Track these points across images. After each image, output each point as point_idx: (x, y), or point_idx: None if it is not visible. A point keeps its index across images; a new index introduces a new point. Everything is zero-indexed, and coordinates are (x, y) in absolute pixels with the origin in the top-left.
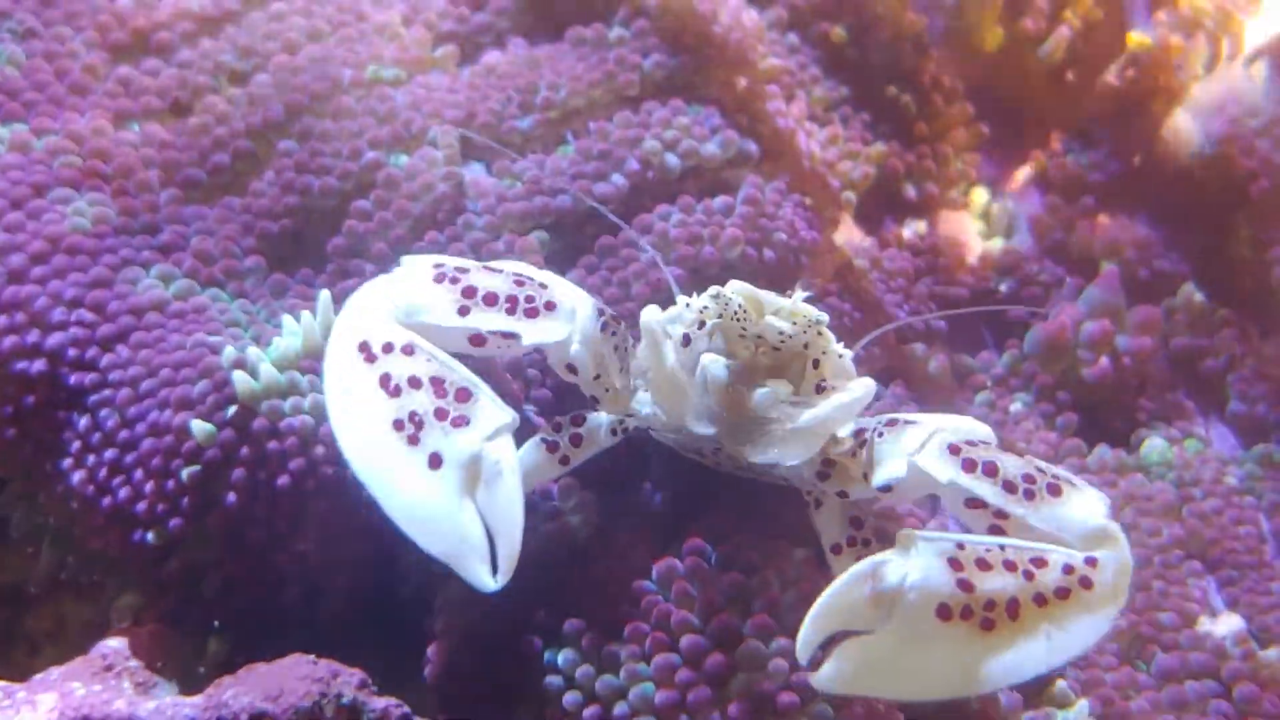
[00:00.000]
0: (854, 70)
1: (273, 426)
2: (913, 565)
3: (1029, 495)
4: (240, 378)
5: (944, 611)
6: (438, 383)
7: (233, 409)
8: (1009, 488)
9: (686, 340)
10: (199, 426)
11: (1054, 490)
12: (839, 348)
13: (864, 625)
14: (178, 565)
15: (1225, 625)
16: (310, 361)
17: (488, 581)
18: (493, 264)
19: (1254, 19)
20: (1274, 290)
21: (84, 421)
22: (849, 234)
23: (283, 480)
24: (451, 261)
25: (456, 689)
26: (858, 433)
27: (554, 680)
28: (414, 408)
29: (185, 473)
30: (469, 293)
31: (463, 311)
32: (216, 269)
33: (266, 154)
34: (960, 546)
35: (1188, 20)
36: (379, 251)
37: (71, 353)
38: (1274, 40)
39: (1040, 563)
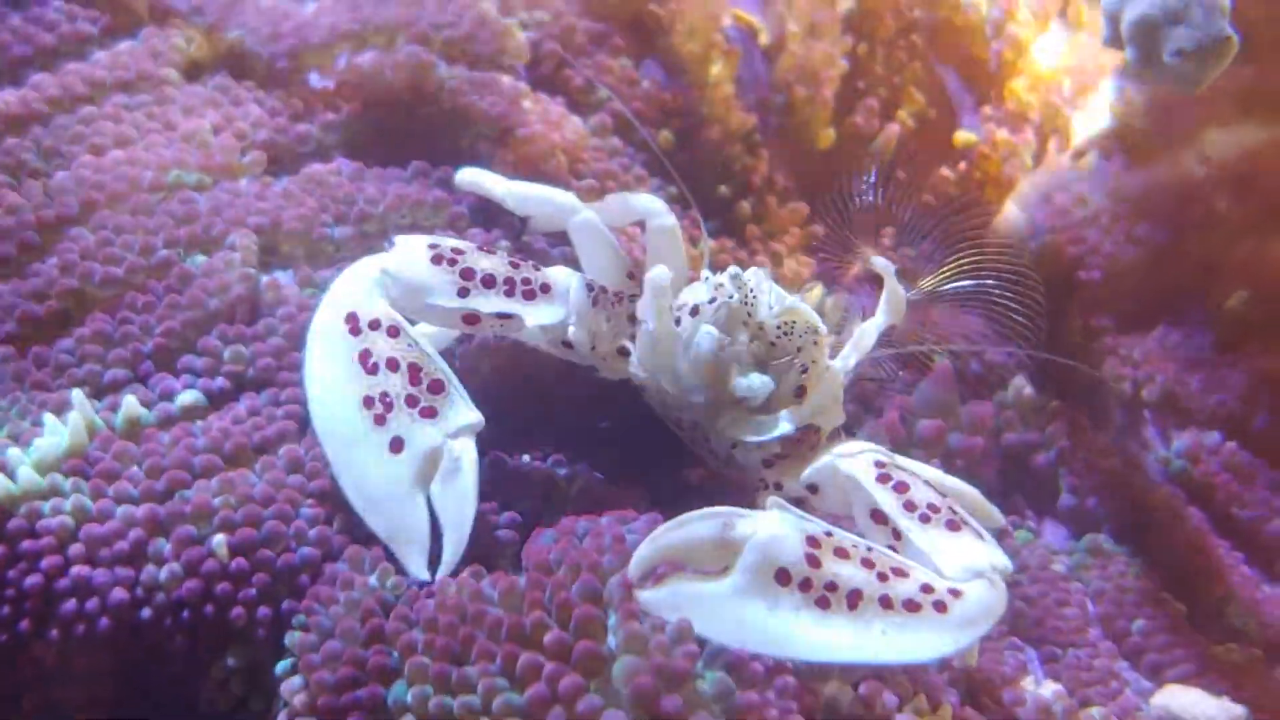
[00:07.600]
0: (683, 172)
1: (30, 527)
2: (765, 526)
3: (924, 520)
4: None
5: (783, 576)
6: (415, 370)
7: None
8: (909, 506)
9: (694, 311)
10: None
11: (952, 526)
12: (830, 362)
13: (706, 564)
14: None
15: (1047, 689)
16: (75, 462)
17: (423, 572)
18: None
19: (1080, 113)
20: (1105, 380)
21: None
22: None
23: (33, 580)
24: (446, 242)
25: None
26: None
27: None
28: (387, 389)
29: None
30: (468, 274)
31: (462, 293)
32: None
33: (55, 249)
34: (828, 534)
35: (1014, 115)
36: (166, 329)
37: None
38: (1103, 133)
39: (900, 573)
